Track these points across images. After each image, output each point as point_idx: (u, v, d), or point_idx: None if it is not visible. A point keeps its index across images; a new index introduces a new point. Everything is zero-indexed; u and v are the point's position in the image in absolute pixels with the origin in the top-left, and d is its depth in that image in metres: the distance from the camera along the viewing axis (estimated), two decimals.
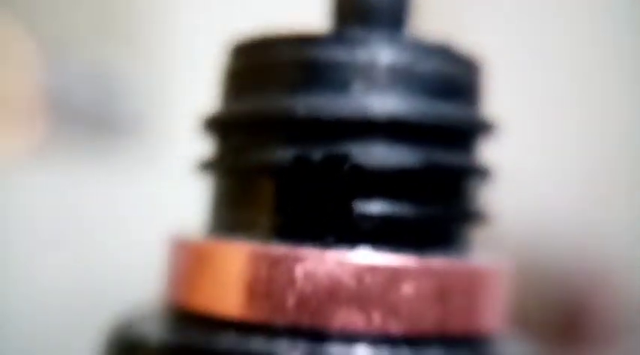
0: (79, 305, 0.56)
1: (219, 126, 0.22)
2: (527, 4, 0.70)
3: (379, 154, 0.19)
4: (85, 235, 0.56)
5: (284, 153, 0.20)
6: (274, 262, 0.18)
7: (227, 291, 0.19)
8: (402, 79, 0.20)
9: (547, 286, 0.67)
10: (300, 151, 0.19)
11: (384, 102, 0.19)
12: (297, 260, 0.18)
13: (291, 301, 0.18)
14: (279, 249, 0.19)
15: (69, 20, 0.59)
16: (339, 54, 0.20)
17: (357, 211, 0.19)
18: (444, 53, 0.20)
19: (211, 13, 0.61)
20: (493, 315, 0.20)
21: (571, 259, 0.67)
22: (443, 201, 0.20)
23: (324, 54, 0.20)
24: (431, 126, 0.20)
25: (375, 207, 0.19)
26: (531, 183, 0.66)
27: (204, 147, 0.23)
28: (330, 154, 0.19)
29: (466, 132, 0.21)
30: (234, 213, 0.21)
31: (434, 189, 0.20)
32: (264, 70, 0.21)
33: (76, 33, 0.59)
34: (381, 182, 0.19)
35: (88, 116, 0.57)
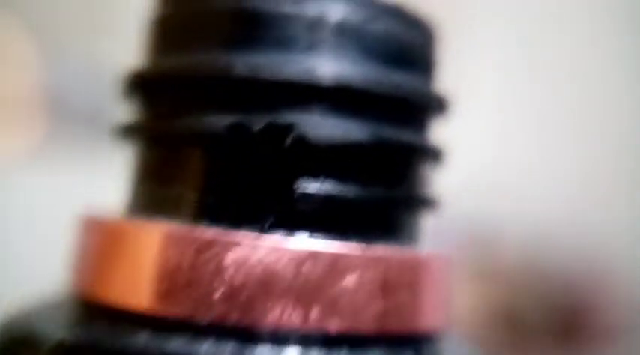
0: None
1: (142, 85, 0.19)
2: (524, 2, 0.70)
3: (325, 126, 0.17)
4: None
5: (217, 120, 0.17)
6: (199, 247, 0.16)
7: (141, 281, 0.16)
8: (353, 39, 0.17)
9: (547, 286, 0.67)
10: (236, 118, 0.16)
11: (332, 65, 0.17)
12: (226, 245, 0.16)
13: (217, 294, 0.15)
14: (206, 233, 0.16)
15: (69, 20, 0.59)
16: (283, 6, 0.17)
17: (299, 191, 0.17)
18: (401, 15, 0.18)
19: None
20: (437, 312, 0.18)
21: (571, 260, 0.67)
22: (391, 183, 0.18)
23: (266, 5, 0.17)
24: (383, 96, 0.17)
25: (317, 187, 0.17)
26: (532, 183, 0.66)
27: (126, 110, 0.19)
28: (272, 123, 0.16)
29: (420, 106, 0.18)
30: (156, 188, 0.18)
31: (382, 169, 0.17)
32: (195, 20, 0.18)
33: (76, 33, 0.59)
34: (326, 158, 0.17)
35: (87, 116, 0.57)
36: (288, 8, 0.17)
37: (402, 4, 0.18)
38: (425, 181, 0.19)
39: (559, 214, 0.67)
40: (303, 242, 0.16)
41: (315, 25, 0.17)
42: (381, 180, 0.17)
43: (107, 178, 0.57)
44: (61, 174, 0.56)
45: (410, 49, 0.18)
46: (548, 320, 0.66)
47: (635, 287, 0.67)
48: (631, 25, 0.70)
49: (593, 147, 0.70)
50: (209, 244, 0.16)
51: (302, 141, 0.16)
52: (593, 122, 0.69)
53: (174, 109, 0.18)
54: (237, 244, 0.16)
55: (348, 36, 0.17)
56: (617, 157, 0.70)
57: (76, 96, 0.60)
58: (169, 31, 0.18)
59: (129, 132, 0.19)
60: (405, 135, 0.18)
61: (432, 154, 0.19)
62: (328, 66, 0.17)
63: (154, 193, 0.18)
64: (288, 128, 0.16)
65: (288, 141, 0.16)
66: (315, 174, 0.17)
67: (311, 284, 0.15)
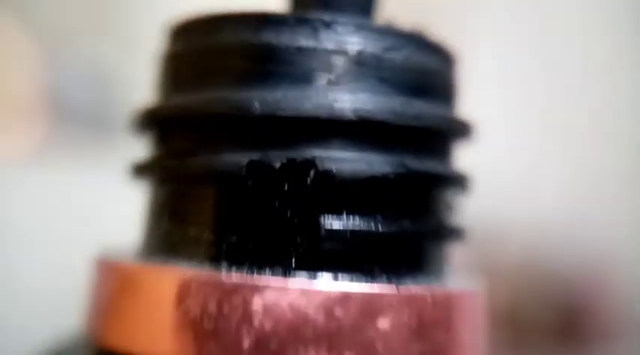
0: (80, 304, 0.55)
1: (156, 123, 0.18)
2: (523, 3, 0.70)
3: (348, 160, 0.16)
4: (85, 234, 0.55)
5: (236, 158, 0.16)
6: (224, 293, 0.15)
7: (162, 330, 0.15)
8: (372, 70, 0.17)
9: (547, 286, 0.67)
10: (255, 155, 0.16)
11: (351, 98, 0.16)
12: (253, 290, 0.15)
13: (246, 342, 0.15)
14: (230, 277, 0.15)
15: (69, 21, 0.59)
16: (300, 39, 0.16)
17: (324, 228, 0.16)
18: (420, 42, 0.17)
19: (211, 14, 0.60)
20: (473, 351, 0.17)
21: (572, 260, 0.67)
22: (418, 215, 0.17)
23: (282, 39, 0.16)
24: (406, 126, 0.17)
25: (342, 223, 0.16)
26: (532, 184, 0.66)
27: (141, 147, 0.19)
28: (292, 159, 0.16)
29: (444, 134, 0.18)
30: (172, 228, 0.17)
31: (409, 201, 0.17)
32: (208, 56, 0.17)
33: (76, 33, 0.59)
34: (350, 193, 0.16)
35: (87, 116, 0.57)
36: (303, 41, 0.16)
37: (419, 29, 0.18)
38: (452, 210, 0.18)
39: (559, 215, 0.67)
40: (333, 283, 0.15)
41: (333, 57, 0.16)
42: (408, 213, 0.17)
43: (107, 178, 0.57)
44: (61, 175, 0.56)
45: (430, 76, 0.17)
46: (548, 320, 0.66)
47: (635, 287, 0.67)
48: (634, 25, 0.70)
49: (594, 148, 0.70)
50: (234, 289, 0.15)
51: (325, 177, 0.16)
52: (594, 123, 0.69)
53: (190, 147, 0.17)
54: (264, 288, 0.15)
55: (367, 67, 0.17)
56: (618, 158, 0.70)
57: (77, 97, 0.60)
58: (182, 68, 0.18)
59: (143, 170, 0.18)
60: (430, 165, 0.17)
61: (458, 182, 0.18)
62: (348, 99, 0.16)
63: (171, 234, 0.17)
64: (310, 164, 0.16)
65: (311, 177, 0.16)
66: (339, 211, 0.16)
67: (344, 328, 0.15)
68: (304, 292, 0.15)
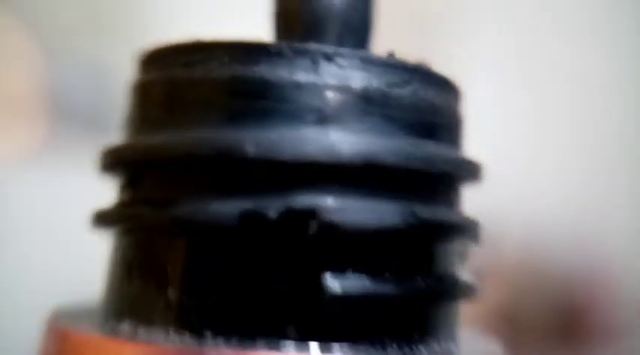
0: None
1: (125, 164, 0.16)
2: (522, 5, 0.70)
3: (354, 210, 0.14)
4: (85, 235, 0.55)
5: (224, 207, 0.14)
6: None
7: None
8: (378, 108, 0.15)
9: (547, 286, 0.67)
10: (248, 204, 0.14)
11: (355, 139, 0.14)
12: None
13: None
14: (216, 350, 0.13)
15: (69, 21, 0.59)
16: (298, 73, 0.14)
17: (328, 290, 0.14)
18: (426, 75, 0.15)
19: (211, 14, 0.60)
20: None
21: (571, 260, 0.67)
22: (432, 272, 0.15)
23: (278, 72, 0.14)
24: (416, 171, 0.15)
25: (350, 284, 0.14)
26: (532, 183, 0.66)
27: (106, 192, 0.16)
28: (290, 209, 0.14)
29: (454, 177, 0.16)
30: (143, 289, 0.15)
31: (421, 256, 0.15)
32: (191, 89, 0.15)
33: (76, 34, 0.59)
34: (358, 248, 0.14)
35: (87, 116, 0.57)
36: (302, 76, 0.14)
37: (422, 62, 0.16)
38: (464, 264, 0.16)
39: (559, 214, 0.67)
40: None
41: (335, 93, 0.14)
42: (420, 270, 0.15)
43: (107, 179, 0.58)
44: (61, 175, 0.56)
45: (438, 113, 0.16)
46: (548, 320, 0.66)
47: (635, 287, 0.67)
48: (631, 24, 0.70)
49: (594, 147, 0.70)
50: None
51: (328, 229, 0.14)
52: (593, 122, 0.69)
53: (166, 194, 0.14)
54: None
55: (373, 104, 0.15)
56: (618, 157, 0.69)
57: (76, 97, 0.59)
58: (157, 101, 0.15)
59: (108, 218, 0.16)
60: (441, 213, 0.15)
61: (471, 231, 0.16)
62: (352, 140, 0.14)
63: (140, 295, 0.15)
64: (310, 214, 0.14)
65: (312, 229, 0.14)
66: (344, 269, 0.14)
67: None
68: None
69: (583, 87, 0.69)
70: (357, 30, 0.16)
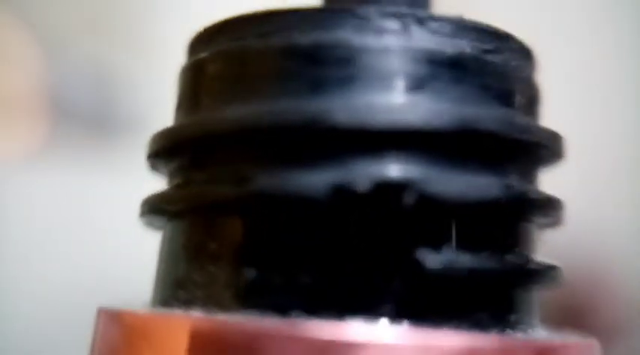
0: (79, 304, 0.55)
1: (188, 144, 0.15)
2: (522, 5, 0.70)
3: (452, 182, 0.13)
4: (85, 234, 0.55)
5: (315, 181, 0.13)
6: (311, 352, 0.11)
7: None
8: (473, 76, 0.14)
9: None
10: (337, 177, 0.13)
11: (454, 108, 0.13)
12: (347, 348, 0.11)
13: None
14: (316, 329, 0.11)
15: (69, 21, 0.58)
16: (388, 38, 0.13)
17: (427, 267, 0.13)
18: (516, 44, 0.15)
19: (212, 13, 0.59)
20: None
21: (571, 260, 0.67)
22: (522, 250, 0.14)
23: (362, 38, 0.13)
24: (515, 141, 0.14)
25: (450, 260, 0.13)
26: None
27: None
28: (384, 181, 0.13)
29: (545, 152, 0.15)
30: (213, 275, 0.14)
31: (514, 233, 0.14)
32: (271, 59, 0.14)
33: (77, 34, 0.58)
34: (458, 223, 0.13)
35: (87, 116, 0.57)
36: (392, 41, 0.13)
37: (504, 28, 0.15)
38: (540, 243, 0.15)
39: None
40: (452, 336, 0.12)
41: (427, 59, 0.13)
42: (514, 247, 0.14)
43: (107, 179, 0.57)
44: (61, 175, 0.56)
45: (526, 83, 0.15)
46: (548, 320, 0.66)
47: (635, 287, 0.67)
48: (632, 24, 0.70)
49: (594, 147, 0.70)
50: (323, 347, 0.11)
51: (426, 203, 0.13)
52: (592, 121, 0.69)
53: (244, 169, 0.13)
54: (363, 346, 0.11)
55: (468, 71, 0.14)
56: (618, 158, 0.70)
57: (77, 97, 0.59)
58: (222, 75, 0.14)
59: (172, 201, 0.15)
60: (531, 188, 0.15)
61: (555, 208, 0.15)
62: (447, 107, 0.13)
63: (212, 279, 0.14)
64: (404, 186, 0.13)
65: (406, 202, 0.13)
66: (440, 243, 0.13)
67: None
68: (418, 349, 0.12)
69: (583, 87, 0.69)
70: None
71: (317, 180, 0.13)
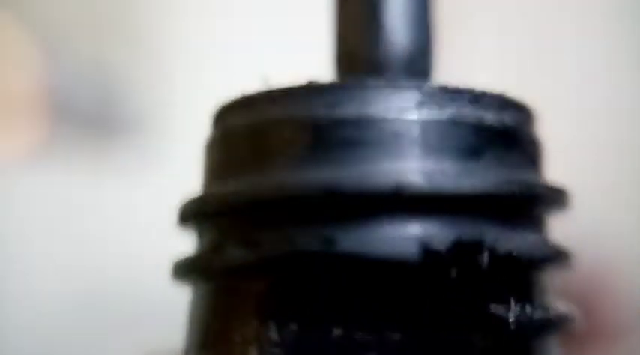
0: (79, 304, 0.55)
1: (225, 210, 0.15)
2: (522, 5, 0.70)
3: (521, 241, 0.14)
4: (85, 234, 0.55)
5: (398, 241, 0.13)
6: None
7: None
8: (514, 142, 0.15)
9: None
10: (420, 237, 0.13)
11: (511, 173, 0.15)
12: None
13: None
14: None
15: (69, 21, 0.58)
16: (400, 110, 0.14)
17: (505, 323, 0.13)
18: (507, 104, 0.16)
19: (212, 14, 0.59)
20: None
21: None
22: (550, 301, 0.15)
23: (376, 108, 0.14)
24: (549, 200, 0.15)
25: (523, 315, 0.14)
26: None
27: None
28: (461, 240, 0.13)
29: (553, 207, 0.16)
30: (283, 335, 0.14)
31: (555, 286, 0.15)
32: (289, 129, 0.14)
33: (77, 34, 0.58)
34: (528, 280, 0.14)
35: (88, 116, 0.57)
36: (404, 114, 0.14)
37: (496, 90, 0.16)
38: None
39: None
40: None
41: (477, 127, 0.15)
42: (551, 300, 0.15)
43: (107, 179, 0.57)
44: (61, 175, 0.56)
45: (533, 144, 0.16)
46: None
47: (635, 287, 0.67)
48: (633, 24, 0.70)
49: (594, 147, 0.70)
50: None
51: (503, 261, 0.14)
52: (593, 121, 0.69)
53: (323, 230, 0.14)
54: None
55: (511, 138, 0.15)
56: (617, 157, 0.69)
57: (77, 97, 0.59)
58: (267, 141, 0.15)
59: (210, 266, 0.15)
60: (557, 244, 0.16)
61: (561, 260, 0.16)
62: (506, 172, 0.14)
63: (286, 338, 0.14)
64: (478, 245, 0.13)
65: (483, 261, 0.13)
66: (513, 299, 0.14)
67: None
68: None
69: (583, 87, 0.69)
70: (420, 74, 0.16)
71: (400, 240, 0.14)
